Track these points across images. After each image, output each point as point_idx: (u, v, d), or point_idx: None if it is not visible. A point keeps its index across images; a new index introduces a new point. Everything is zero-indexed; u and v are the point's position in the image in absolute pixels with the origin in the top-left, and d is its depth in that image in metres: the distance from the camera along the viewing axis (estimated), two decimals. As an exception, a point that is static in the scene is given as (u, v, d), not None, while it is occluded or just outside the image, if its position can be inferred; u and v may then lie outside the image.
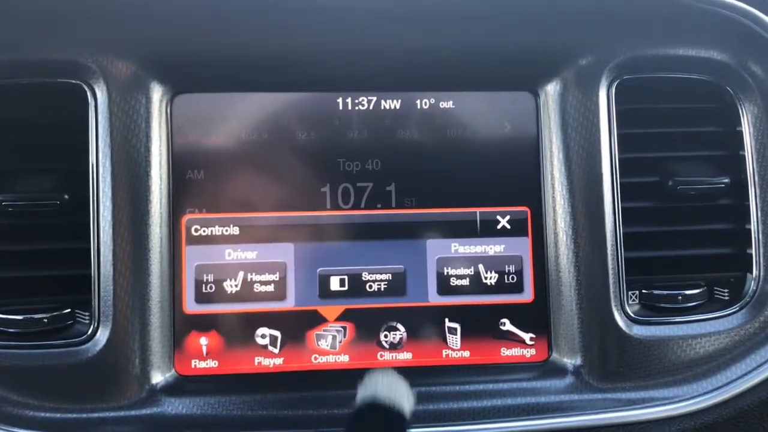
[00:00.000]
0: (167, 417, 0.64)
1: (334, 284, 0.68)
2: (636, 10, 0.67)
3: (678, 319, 0.68)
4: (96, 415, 0.63)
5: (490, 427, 0.63)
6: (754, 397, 0.65)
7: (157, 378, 0.65)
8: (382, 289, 0.68)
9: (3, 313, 0.65)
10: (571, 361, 0.68)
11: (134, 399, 0.64)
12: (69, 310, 0.65)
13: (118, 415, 0.63)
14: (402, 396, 0.60)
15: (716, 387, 0.65)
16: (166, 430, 0.62)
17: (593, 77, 0.69)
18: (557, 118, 0.70)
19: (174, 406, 0.64)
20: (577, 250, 0.68)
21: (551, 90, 0.70)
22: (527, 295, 0.69)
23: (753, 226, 0.69)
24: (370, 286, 0.68)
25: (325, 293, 0.68)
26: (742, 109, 0.70)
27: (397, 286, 0.69)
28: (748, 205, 0.69)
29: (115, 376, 0.64)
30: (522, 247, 0.70)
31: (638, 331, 0.67)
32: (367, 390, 0.60)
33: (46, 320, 0.65)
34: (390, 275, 0.69)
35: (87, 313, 0.65)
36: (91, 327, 0.64)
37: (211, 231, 0.68)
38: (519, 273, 0.69)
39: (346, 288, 0.69)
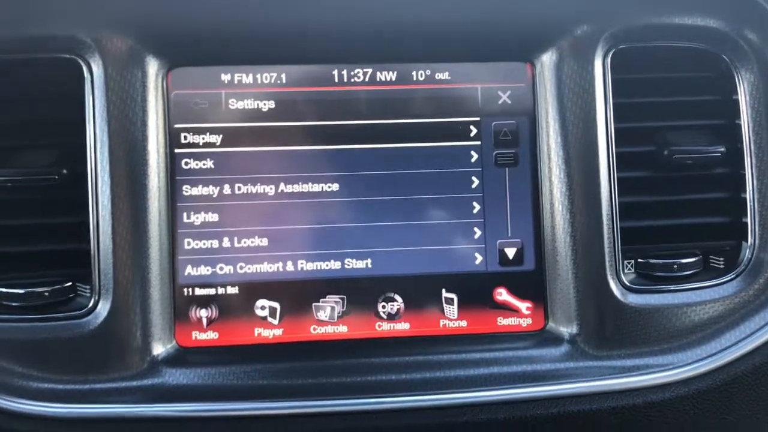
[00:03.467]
0: (169, 387, 0.65)
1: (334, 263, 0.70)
2: None
3: (673, 287, 0.69)
4: (99, 386, 0.64)
5: (487, 395, 0.64)
6: (747, 363, 0.66)
7: (159, 349, 0.66)
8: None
9: (5, 287, 0.65)
10: (567, 330, 0.68)
11: (136, 370, 0.65)
12: (70, 283, 0.66)
13: (121, 385, 0.64)
14: None
15: (710, 354, 0.66)
16: (168, 400, 0.63)
17: (589, 47, 0.69)
18: (553, 89, 0.70)
19: (175, 377, 0.65)
20: (573, 219, 0.68)
21: (547, 60, 0.70)
22: (527, 266, 0.70)
23: (749, 195, 0.69)
24: None
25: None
26: (738, 78, 0.70)
27: (395, 256, 0.70)
28: (744, 174, 0.69)
29: (116, 348, 0.65)
30: (518, 217, 0.70)
31: (634, 299, 0.68)
32: None
33: (47, 294, 0.66)
34: (389, 247, 0.70)
35: (88, 287, 0.66)
36: (92, 300, 0.65)
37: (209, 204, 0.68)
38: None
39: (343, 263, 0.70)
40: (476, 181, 0.70)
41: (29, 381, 0.64)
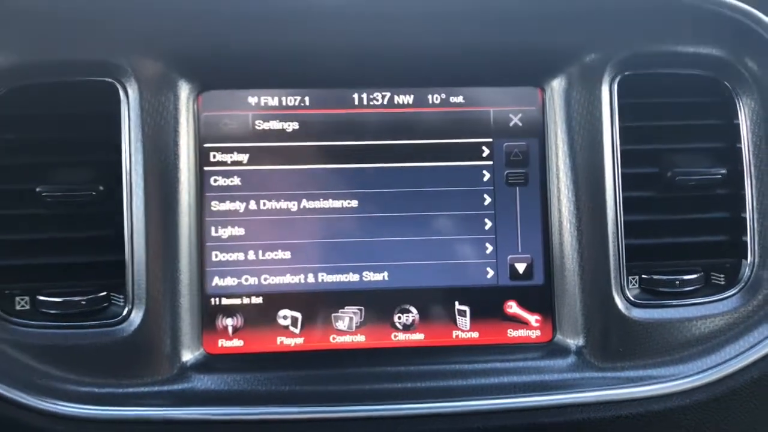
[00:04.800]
0: (197, 392, 0.69)
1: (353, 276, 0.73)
2: (636, 8, 0.70)
3: (676, 302, 0.72)
4: (131, 390, 0.68)
5: (497, 403, 0.67)
6: (746, 376, 0.69)
7: (187, 356, 0.70)
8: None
9: (44, 296, 0.70)
10: (573, 342, 0.72)
11: (166, 376, 0.69)
12: (105, 293, 0.70)
13: (152, 390, 0.68)
14: None
15: (710, 366, 0.69)
16: (196, 404, 0.67)
17: (596, 73, 0.73)
18: (562, 112, 0.73)
19: (203, 382, 0.69)
20: (580, 237, 0.72)
21: (556, 85, 0.74)
22: (536, 280, 0.74)
23: (748, 215, 0.73)
24: None
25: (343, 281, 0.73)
26: (739, 103, 0.74)
27: (411, 271, 0.74)
28: (744, 195, 0.73)
29: (148, 355, 0.69)
30: (528, 234, 0.74)
31: (637, 313, 0.71)
32: None
33: (83, 302, 0.70)
34: (404, 262, 0.74)
35: (121, 296, 0.70)
36: (126, 309, 0.69)
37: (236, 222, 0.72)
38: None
39: (361, 276, 0.73)
40: (488, 199, 0.74)
41: (67, 384, 0.68)
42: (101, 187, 0.70)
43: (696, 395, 0.69)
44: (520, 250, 0.74)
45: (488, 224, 0.74)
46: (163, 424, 0.66)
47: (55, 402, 0.66)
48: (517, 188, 0.74)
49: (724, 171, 0.73)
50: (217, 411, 0.67)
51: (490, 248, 0.74)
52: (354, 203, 0.73)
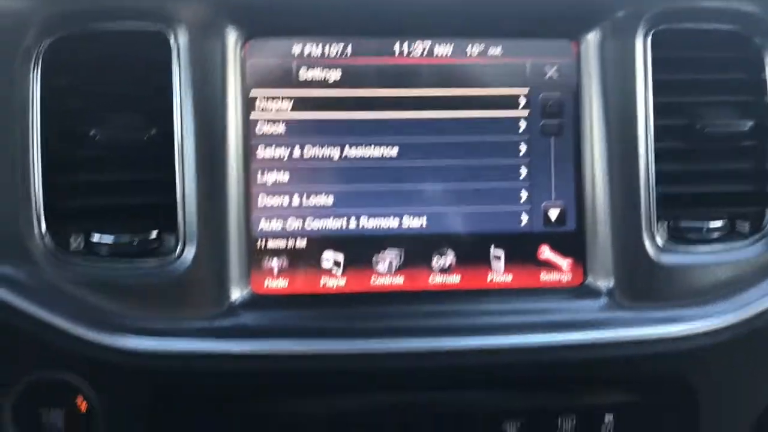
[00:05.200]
0: (245, 328, 0.72)
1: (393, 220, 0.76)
2: None
3: (702, 248, 0.75)
4: (182, 325, 0.71)
5: (530, 340, 0.71)
6: (766, 318, 0.73)
7: (236, 295, 0.73)
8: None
9: (97, 236, 0.72)
10: (604, 285, 0.75)
11: (216, 312, 0.72)
12: (156, 233, 0.73)
13: (203, 325, 0.71)
14: None
15: (734, 309, 0.73)
16: (244, 337, 0.70)
17: (630, 27, 0.75)
18: (596, 65, 0.76)
19: (251, 319, 0.72)
20: (612, 185, 0.75)
21: (591, 38, 0.76)
22: (569, 226, 0.77)
23: (773, 165, 0.76)
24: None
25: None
26: (767, 59, 0.76)
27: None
28: (769, 146, 0.76)
29: (198, 293, 0.72)
30: (562, 182, 0.77)
31: (666, 258, 0.74)
32: None
33: (135, 242, 0.73)
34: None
35: (173, 237, 0.73)
36: (178, 248, 0.72)
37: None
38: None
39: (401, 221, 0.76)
40: (524, 149, 0.77)
41: (120, 319, 0.71)
42: (153, 131, 0.72)
43: (720, 336, 0.73)
44: (553, 198, 0.77)
45: (523, 173, 0.77)
46: (215, 357, 0.70)
47: (109, 334, 0.69)
48: (552, 138, 0.77)
49: (751, 123, 0.76)
50: (265, 345, 0.70)
51: (524, 195, 0.77)
52: (394, 151, 0.76)
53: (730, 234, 0.77)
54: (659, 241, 0.75)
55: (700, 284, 0.74)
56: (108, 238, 0.72)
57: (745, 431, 0.75)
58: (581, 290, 0.76)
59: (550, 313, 0.74)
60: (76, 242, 0.73)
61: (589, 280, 0.76)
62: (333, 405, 0.71)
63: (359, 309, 0.75)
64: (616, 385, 0.72)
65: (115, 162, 0.73)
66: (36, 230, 0.70)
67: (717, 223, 0.76)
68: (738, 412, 0.74)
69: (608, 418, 0.72)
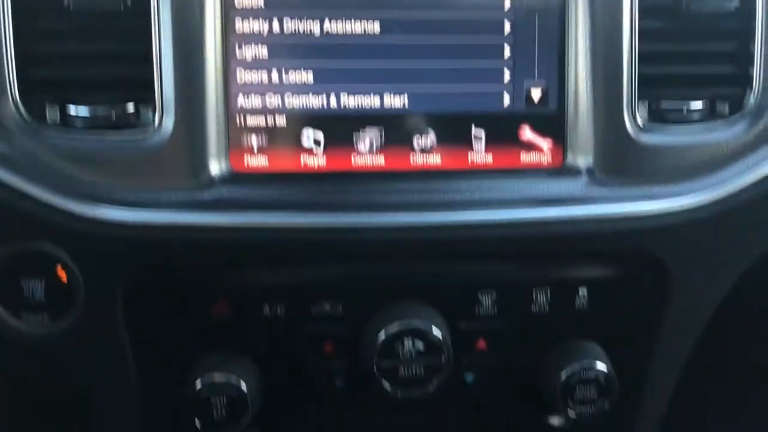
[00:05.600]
0: (224, 201, 0.71)
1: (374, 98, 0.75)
2: None
3: (681, 129, 0.76)
4: (161, 198, 0.71)
5: (508, 215, 0.72)
6: (744, 196, 0.74)
7: (215, 169, 0.73)
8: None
9: (73, 107, 0.71)
10: (583, 163, 0.75)
11: (194, 186, 0.72)
12: (134, 106, 0.72)
13: (181, 198, 0.71)
14: None
15: (709, 187, 0.74)
16: (223, 210, 0.70)
17: None
18: None
19: (230, 193, 0.72)
20: (595, 64, 0.74)
21: None
22: (550, 106, 0.77)
23: (756, 47, 0.76)
24: None
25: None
26: None
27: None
28: (754, 28, 0.75)
29: (176, 166, 0.71)
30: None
31: (646, 138, 0.75)
32: None
33: (112, 115, 0.71)
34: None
35: (150, 110, 0.72)
36: (156, 120, 0.71)
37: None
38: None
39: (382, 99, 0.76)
40: (508, 27, 0.76)
41: (97, 189, 0.70)
42: (128, 1, 0.70)
43: (696, 213, 0.74)
44: (536, 77, 0.77)
45: (507, 51, 0.76)
46: (193, 229, 0.70)
47: (87, 205, 0.69)
48: (536, 16, 0.76)
49: (736, 3, 0.75)
50: (245, 217, 0.71)
51: (507, 75, 0.76)
52: (376, 27, 0.75)
53: (710, 115, 0.77)
54: (639, 120, 0.75)
55: (679, 163, 0.75)
56: (84, 110, 0.71)
57: (714, 306, 0.77)
58: (561, 170, 0.76)
59: (530, 192, 0.74)
60: (51, 114, 0.72)
61: (569, 160, 0.76)
62: (313, 276, 0.72)
63: (340, 186, 0.74)
64: (592, 260, 0.73)
65: (89, 32, 0.71)
66: (9, 99, 0.69)
67: (697, 104, 0.76)
68: (709, 289, 0.76)
69: (582, 291, 0.73)
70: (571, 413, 0.75)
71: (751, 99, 0.76)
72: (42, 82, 0.71)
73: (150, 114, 0.72)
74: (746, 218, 0.74)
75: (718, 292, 0.76)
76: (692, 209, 0.73)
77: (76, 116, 0.71)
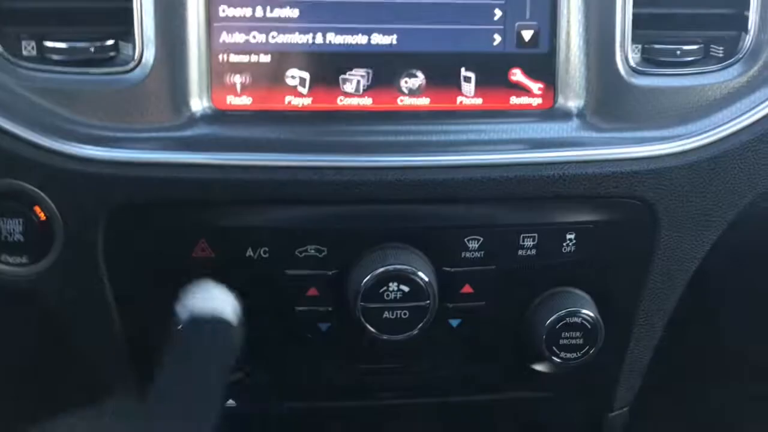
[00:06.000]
0: (205, 139, 0.69)
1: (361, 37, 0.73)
2: None
3: (675, 71, 0.74)
4: (140, 135, 0.69)
5: (497, 157, 0.70)
6: (735, 140, 0.72)
7: (197, 107, 0.71)
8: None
9: (50, 42, 0.69)
10: (575, 106, 0.74)
11: (175, 124, 0.70)
12: (113, 41, 0.70)
13: (161, 135, 0.69)
14: (223, 304, 0.64)
15: (704, 130, 0.72)
16: (205, 148, 0.69)
17: None
18: None
19: (212, 131, 0.70)
20: (587, 4, 0.72)
21: None
22: (542, 48, 0.75)
23: (753, -12, 0.74)
24: None
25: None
26: None
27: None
28: (751, -32, 0.74)
29: (157, 102, 0.69)
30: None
31: (638, 80, 0.73)
32: (185, 309, 0.63)
33: (92, 49, 0.69)
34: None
35: (130, 45, 0.70)
36: (136, 54, 0.69)
37: None
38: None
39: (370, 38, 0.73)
40: (499, -36, 0.74)
41: (76, 126, 0.68)
42: (105, -70, 0.68)
43: (688, 156, 0.72)
44: (528, 17, 0.74)
45: (498, -10, 0.74)
46: (173, 167, 0.68)
47: (65, 142, 0.67)
48: (529, -47, 0.74)
49: (733, -56, 0.74)
50: (226, 156, 0.69)
51: (498, 14, 0.74)
52: None
53: (704, 58, 0.75)
54: (632, 62, 0.73)
55: (671, 107, 0.73)
56: (62, 45, 0.69)
57: (703, 253, 0.76)
58: (552, 113, 0.74)
59: (519, 134, 0.73)
60: (28, 48, 0.69)
61: (560, 102, 0.75)
62: (297, 219, 0.70)
63: (326, 127, 0.73)
64: (580, 204, 0.71)
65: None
66: None
67: (691, 47, 0.74)
68: (698, 235, 0.75)
69: (570, 236, 0.72)
70: (556, 359, 0.74)
71: (747, 42, 0.75)
72: (17, 14, 0.68)
73: (130, 50, 0.70)
74: (738, 163, 0.73)
75: (707, 237, 0.75)
76: (683, 153, 0.72)
77: (54, 50, 0.69)
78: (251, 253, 0.70)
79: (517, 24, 0.75)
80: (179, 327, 0.63)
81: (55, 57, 0.69)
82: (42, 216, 0.68)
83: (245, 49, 0.73)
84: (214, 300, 0.65)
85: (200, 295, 0.66)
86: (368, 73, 0.75)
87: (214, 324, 0.64)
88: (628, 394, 0.84)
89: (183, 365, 0.61)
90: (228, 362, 0.64)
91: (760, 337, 0.92)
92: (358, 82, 0.75)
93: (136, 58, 0.69)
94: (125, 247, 0.70)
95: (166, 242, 0.70)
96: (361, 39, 0.74)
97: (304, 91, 0.74)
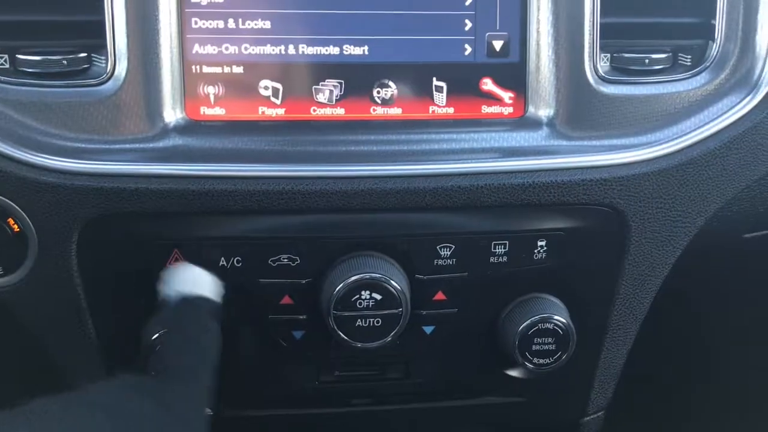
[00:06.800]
0: (179, 150, 0.70)
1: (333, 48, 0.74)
2: None
3: (644, 79, 0.75)
4: (114, 146, 0.70)
5: (471, 166, 0.71)
6: (703, 147, 0.73)
7: (170, 119, 0.71)
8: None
9: (24, 55, 0.69)
10: (545, 115, 0.75)
11: (148, 135, 0.70)
12: (86, 53, 0.70)
13: (135, 146, 0.70)
14: (206, 284, 0.66)
15: (672, 138, 0.73)
16: (178, 159, 0.69)
17: None
18: None
19: (185, 142, 0.71)
20: (557, 14, 0.73)
21: None
22: (512, 57, 0.76)
23: (719, -3, 0.76)
24: None
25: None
26: None
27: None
28: (717, -23, 0.75)
29: (130, 114, 0.70)
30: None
31: (607, 88, 0.74)
32: (169, 290, 0.66)
33: (65, 62, 0.70)
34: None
35: (103, 58, 0.70)
36: (109, 66, 0.69)
37: None
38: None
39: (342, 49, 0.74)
40: (469, -25, 0.75)
41: (50, 138, 0.69)
42: (78, -55, 0.69)
43: (657, 164, 0.73)
44: (498, 28, 0.75)
45: (468, 0, 0.74)
46: (146, 179, 0.68)
47: (38, 154, 0.67)
48: (498, -36, 0.75)
49: (701, -48, 0.75)
50: (199, 167, 0.69)
51: (469, 25, 0.75)
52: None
53: (672, 67, 0.76)
54: (601, 71, 0.74)
55: (640, 114, 0.74)
56: (35, 58, 0.69)
57: (673, 259, 0.77)
58: (522, 121, 0.75)
59: (490, 143, 0.74)
60: (1, 62, 0.70)
61: (531, 111, 0.76)
62: (270, 228, 0.71)
63: (299, 137, 0.73)
64: (551, 211, 0.72)
65: (38, -25, 0.69)
66: None
67: (660, 56, 0.75)
68: (668, 241, 0.76)
69: (541, 243, 0.73)
70: (529, 365, 0.75)
71: (714, 50, 0.76)
72: (-12, 28, 0.69)
73: (103, 62, 0.70)
74: (706, 169, 0.74)
75: (677, 243, 0.76)
76: (652, 160, 0.73)
77: (27, 62, 0.69)
78: (224, 263, 0.71)
79: (487, 34, 0.76)
80: (167, 305, 0.65)
81: (29, 70, 0.70)
82: (15, 228, 0.69)
83: (218, 60, 0.73)
84: (197, 280, 0.67)
85: (183, 275, 0.68)
86: (341, 84, 0.75)
87: (200, 301, 0.66)
88: (603, 399, 0.85)
89: (177, 339, 0.63)
90: (217, 340, 0.65)
91: (733, 339, 0.93)
92: (331, 92, 0.75)
93: (108, 70, 0.69)
94: (99, 258, 0.71)
95: (140, 253, 0.71)
96: (333, 50, 0.74)
97: (277, 101, 0.75)
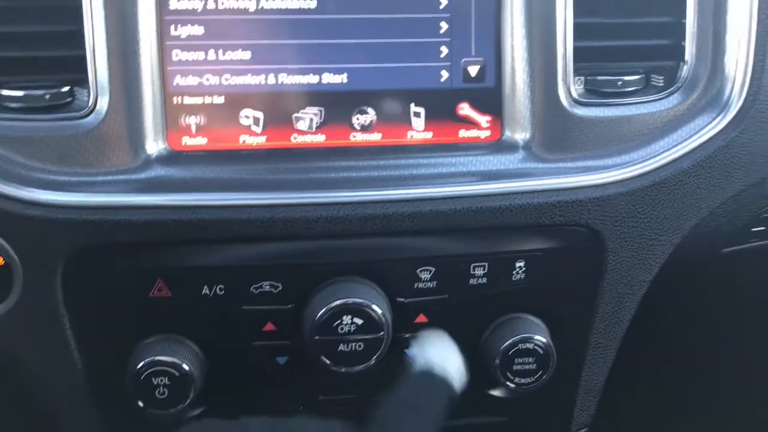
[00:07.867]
0: (162, 181, 0.71)
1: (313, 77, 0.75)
2: None
3: (617, 101, 0.77)
4: (97, 178, 0.71)
5: (449, 190, 0.72)
6: (677, 166, 0.75)
7: (152, 150, 0.73)
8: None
9: (6, 90, 0.70)
10: (521, 138, 0.76)
11: (131, 167, 0.71)
12: (68, 87, 0.72)
13: (118, 178, 0.71)
14: (453, 366, 0.66)
15: (646, 158, 0.75)
16: (162, 190, 0.70)
17: None
18: None
19: (168, 172, 0.72)
20: (530, 39, 0.75)
21: None
22: (488, 82, 0.77)
23: (689, 20, 0.77)
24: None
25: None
26: None
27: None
28: (686, 1, 0.76)
29: (113, 147, 0.71)
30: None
31: (581, 111, 0.76)
32: (423, 357, 0.66)
33: (47, 96, 0.71)
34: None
35: (85, 91, 0.71)
36: (90, 100, 0.70)
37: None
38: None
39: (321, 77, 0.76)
40: (444, 2, 0.76)
41: (33, 172, 0.70)
42: (58, -20, 0.70)
43: (631, 184, 0.75)
44: (473, 54, 0.77)
45: (444, 27, 0.76)
46: (129, 210, 0.69)
47: (22, 187, 0.68)
48: (472, -8, 0.76)
49: (669, -23, 0.77)
50: (182, 197, 0.70)
51: (445, 51, 0.76)
52: (312, 3, 0.74)
53: (645, 88, 0.78)
54: (575, 94, 0.76)
55: (614, 136, 0.76)
56: (18, 93, 0.71)
57: (650, 279, 0.79)
58: (499, 145, 0.77)
59: (467, 166, 0.75)
60: (-17, 97, 0.72)
61: (507, 134, 0.77)
62: (252, 256, 0.72)
63: (280, 165, 0.75)
64: (529, 233, 0.73)
65: (18, 11, 0.70)
66: None
67: (632, 77, 0.77)
68: (644, 261, 0.77)
69: (519, 264, 0.74)
70: (511, 384, 0.76)
71: (685, 71, 0.77)
72: (-29, 64, 0.70)
73: (85, 96, 0.71)
74: (680, 188, 0.75)
75: (654, 261, 0.78)
76: (627, 180, 0.74)
77: (10, 98, 0.70)
78: (207, 291, 0.72)
79: (463, 60, 0.77)
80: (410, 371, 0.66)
81: (12, 105, 0.71)
82: (0, 261, 0.70)
83: (199, 91, 0.75)
84: (447, 357, 0.67)
85: (436, 347, 0.68)
86: (321, 111, 0.77)
87: (439, 380, 0.65)
88: (586, 416, 0.86)
89: (403, 407, 0.64)
90: (439, 421, 0.64)
91: (713, 354, 0.94)
92: (311, 120, 0.77)
93: (91, 104, 0.71)
94: (84, 289, 0.72)
95: (124, 283, 0.72)
96: (312, 79, 0.76)
97: (258, 130, 0.76)
